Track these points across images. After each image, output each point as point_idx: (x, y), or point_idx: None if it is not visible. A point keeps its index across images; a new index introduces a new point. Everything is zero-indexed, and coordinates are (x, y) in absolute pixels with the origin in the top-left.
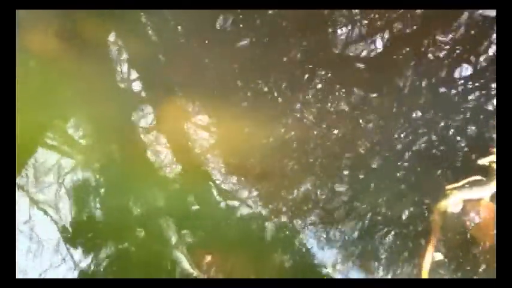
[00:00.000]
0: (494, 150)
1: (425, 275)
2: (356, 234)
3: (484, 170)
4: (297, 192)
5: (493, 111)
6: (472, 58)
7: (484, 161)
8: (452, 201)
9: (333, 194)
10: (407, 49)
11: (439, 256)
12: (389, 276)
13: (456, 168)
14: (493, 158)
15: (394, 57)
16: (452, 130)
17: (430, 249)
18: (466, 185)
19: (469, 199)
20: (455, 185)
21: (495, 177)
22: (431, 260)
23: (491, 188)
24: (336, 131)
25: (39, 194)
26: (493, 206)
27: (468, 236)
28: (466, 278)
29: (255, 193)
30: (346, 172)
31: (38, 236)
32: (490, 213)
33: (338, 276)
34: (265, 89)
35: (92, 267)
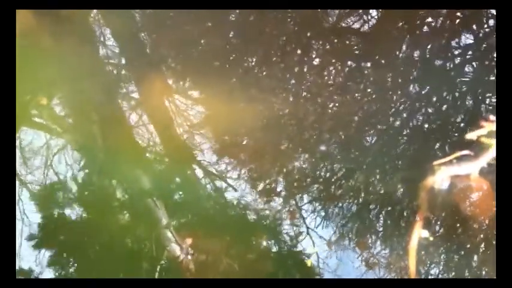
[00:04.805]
0: (484, 124)
1: (412, 252)
2: (345, 211)
3: (472, 145)
4: (291, 170)
5: (484, 83)
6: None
7: (472, 135)
8: (439, 178)
9: (329, 170)
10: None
11: (425, 234)
12: (372, 251)
13: (445, 142)
14: (482, 132)
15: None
16: (439, 103)
17: (417, 226)
18: (454, 161)
19: (457, 175)
20: (442, 160)
21: (484, 151)
22: (418, 237)
23: (480, 163)
24: (330, 105)
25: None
26: (484, 180)
27: (458, 212)
28: (464, 256)
29: (246, 173)
30: (340, 148)
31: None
32: (482, 188)
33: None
34: (256, 64)
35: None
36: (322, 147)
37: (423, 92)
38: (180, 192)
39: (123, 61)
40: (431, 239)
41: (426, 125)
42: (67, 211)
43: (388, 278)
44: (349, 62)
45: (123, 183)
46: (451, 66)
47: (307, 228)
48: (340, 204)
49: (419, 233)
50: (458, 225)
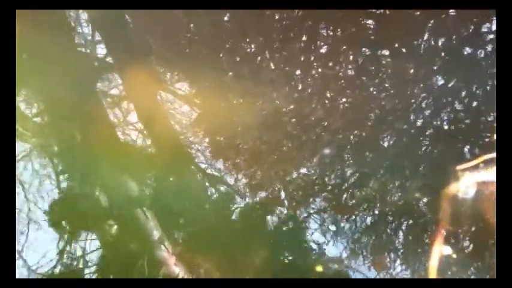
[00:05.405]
0: None
1: (433, 273)
2: (358, 224)
3: None
4: (296, 176)
5: None
6: None
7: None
8: (463, 185)
9: (339, 177)
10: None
11: (448, 251)
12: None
13: (475, 144)
14: None
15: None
16: (468, 99)
17: (438, 242)
18: (480, 165)
19: (484, 181)
20: (467, 165)
21: None
22: (439, 255)
23: None
24: (342, 100)
25: None
26: None
27: (484, 225)
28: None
29: (244, 179)
30: (352, 150)
31: None
32: None
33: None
34: (256, 54)
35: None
36: (331, 150)
37: (449, 86)
38: (172, 201)
39: (104, 50)
40: (456, 256)
41: (453, 124)
42: (43, 223)
43: (387, 278)
44: (363, 50)
45: (107, 191)
46: (482, 55)
47: (314, 243)
48: (353, 216)
49: (444, 250)
50: (488, 240)
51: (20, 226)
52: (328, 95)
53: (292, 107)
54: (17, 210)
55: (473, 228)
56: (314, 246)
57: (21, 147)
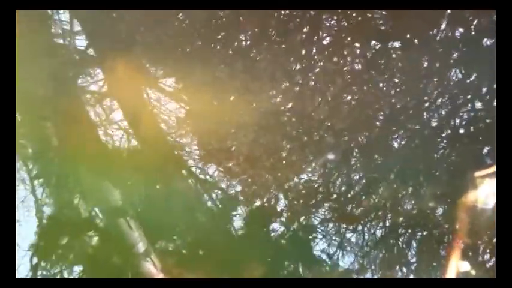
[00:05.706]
0: None
1: None
2: (366, 236)
3: None
4: (296, 183)
5: None
6: None
7: None
8: (483, 192)
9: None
10: None
11: (466, 265)
12: None
13: (492, 147)
14: None
15: None
16: (489, 96)
17: (455, 256)
18: None
19: None
20: (487, 170)
21: None
22: (455, 270)
23: None
24: (347, 98)
25: None
26: None
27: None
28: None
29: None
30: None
31: None
32: None
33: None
34: (251, 45)
35: None
36: (336, 153)
37: (468, 81)
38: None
39: (85, 41)
40: (476, 272)
41: (472, 125)
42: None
43: (388, 278)
44: (372, 42)
45: (88, 198)
46: None
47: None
48: (360, 227)
49: (461, 264)
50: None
51: None
52: (332, 91)
53: (292, 105)
54: None
55: (494, 241)
56: (317, 260)
57: None
